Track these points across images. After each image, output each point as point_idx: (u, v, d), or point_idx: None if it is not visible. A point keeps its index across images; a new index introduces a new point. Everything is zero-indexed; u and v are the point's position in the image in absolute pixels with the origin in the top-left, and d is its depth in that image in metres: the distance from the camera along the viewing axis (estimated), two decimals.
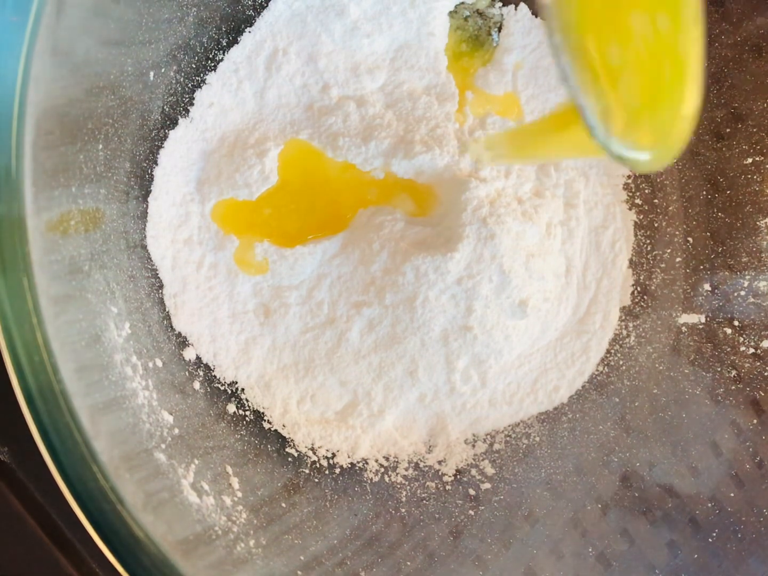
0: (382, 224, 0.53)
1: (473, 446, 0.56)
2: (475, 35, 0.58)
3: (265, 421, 0.53)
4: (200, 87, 0.52)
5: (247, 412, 0.53)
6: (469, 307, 0.51)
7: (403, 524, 0.52)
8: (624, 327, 0.57)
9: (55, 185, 0.36)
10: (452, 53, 0.57)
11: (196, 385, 0.50)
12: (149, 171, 0.50)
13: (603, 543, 0.52)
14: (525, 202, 0.54)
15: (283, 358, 0.53)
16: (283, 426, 0.53)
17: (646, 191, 0.58)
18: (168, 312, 0.51)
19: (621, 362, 0.57)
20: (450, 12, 0.57)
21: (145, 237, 0.50)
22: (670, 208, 0.58)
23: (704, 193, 0.57)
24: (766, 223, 0.55)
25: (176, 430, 0.45)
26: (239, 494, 0.47)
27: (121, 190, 0.45)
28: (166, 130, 0.51)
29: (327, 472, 0.53)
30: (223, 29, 0.53)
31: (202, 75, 0.52)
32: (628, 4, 0.30)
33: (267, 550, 0.45)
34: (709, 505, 0.52)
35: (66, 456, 0.33)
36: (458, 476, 0.54)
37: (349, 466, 0.54)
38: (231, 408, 0.52)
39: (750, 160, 0.55)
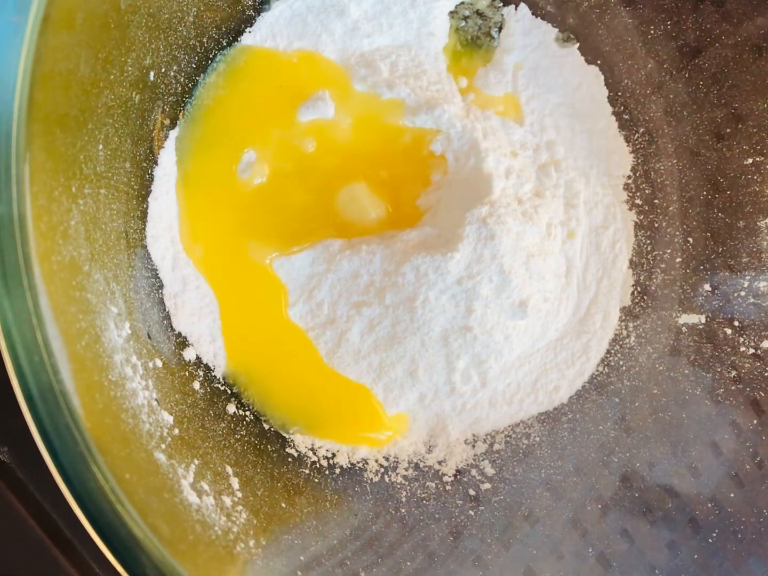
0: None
1: (473, 446, 0.56)
2: (475, 35, 0.58)
3: (265, 421, 0.53)
4: (200, 87, 0.52)
5: (247, 412, 0.53)
6: (469, 308, 0.51)
7: (403, 524, 0.52)
8: (624, 327, 0.57)
9: (55, 185, 0.36)
10: (452, 53, 0.58)
11: (196, 385, 0.50)
12: (149, 171, 0.50)
13: (603, 543, 0.52)
14: (525, 203, 0.54)
15: None
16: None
17: (647, 192, 0.58)
18: (168, 312, 0.51)
19: (621, 362, 0.57)
20: (450, 12, 0.57)
21: (145, 237, 0.50)
22: (670, 209, 0.58)
23: (704, 193, 0.57)
24: (766, 223, 0.55)
25: (176, 430, 0.45)
26: (239, 494, 0.47)
27: (121, 190, 0.45)
28: (167, 130, 0.51)
29: (327, 472, 0.53)
30: (223, 29, 0.53)
31: (202, 75, 0.52)
32: None
33: (267, 550, 0.45)
34: (709, 505, 0.52)
35: (66, 456, 0.33)
36: (458, 476, 0.54)
37: (349, 466, 0.54)
38: (231, 408, 0.52)
39: (750, 161, 0.55)
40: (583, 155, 0.58)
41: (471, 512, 0.53)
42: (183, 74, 0.51)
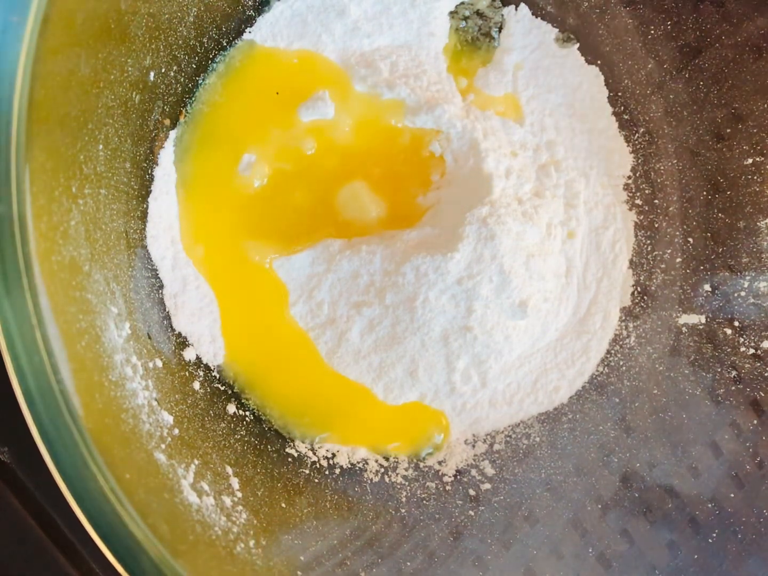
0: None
1: (473, 446, 0.56)
2: (476, 36, 0.58)
3: (265, 421, 0.53)
4: (200, 87, 0.52)
5: (247, 412, 0.53)
6: (469, 308, 0.51)
7: (403, 524, 0.52)
8: (624, 327, 0.57)
9: (55, 185, 0.36)
10: (452, 54, 0.58)
11: (196, 385, 0.50)
12: (149, 171, 0.50)
13: (603, 543, 0.52)
14: (525, 203, 0.54)
15: None
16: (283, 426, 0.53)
17: (647, 192, 0.58)
18: (168, 312, 0.51)
19: (621, 363, 0.57)
20: (450, 12, 0.57)
21: (145, 237, 0.50)
22: (671, 209, 0.58)
23: (704, 193, 0.57)
24: (766, 223, 0.55)
25: (176, 430, 0.45)
26: (239, 494, 0.47)
27: (121, 190, 0.45)
28: (167, 131, 0.51)
29: (327, 472, 0.53)
30: (223, 29, 0.53)
31: (202, 75, 0.52)
32: None
33: (267, 550, 0.45)
34: (709, 505, 0.52)
35: (66, 456, 0.33)
36: (458, 476, 0.54)
37: (349, 466, 0.54)
38: (231, 408, 0.52)
39: (750, 161, 0.55)
40: (583, 155, 0.58)
41: (471, 512, 0.53)
42: (183, 74, 0.51)
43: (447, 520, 0.52)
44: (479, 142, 0.53)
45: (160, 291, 0.51)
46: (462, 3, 0.57)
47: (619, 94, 0.58)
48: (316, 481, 0.52)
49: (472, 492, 0.54)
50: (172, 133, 0.51)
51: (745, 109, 0.54)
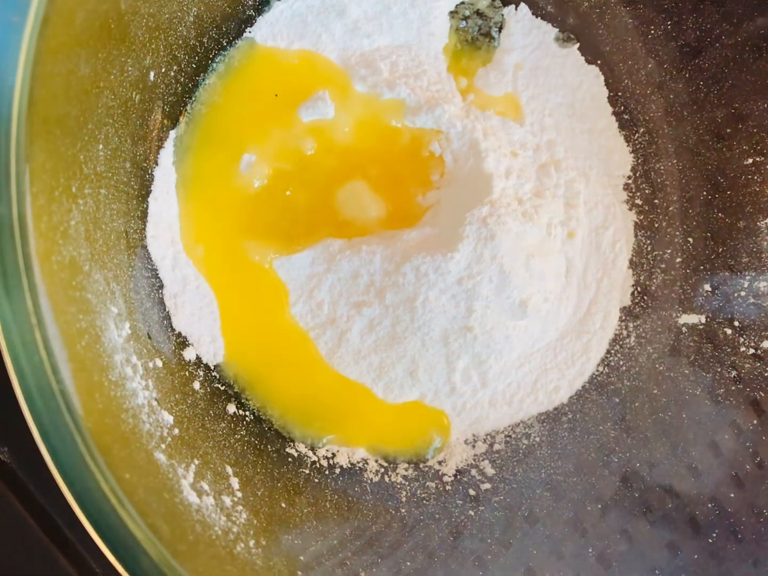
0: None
1: (473, 446, 0.56)
2: (476, 36, 0.58)
3: (265, 421, 0.53)
4: (200, 87, 0.52)
5: (247, 412, 0.53)
6: (469, 308, 0.51)
7: (403, 524, 0.52)
8: (624, 327, 0.57)
9: (55, 185, 0.36)
10: (452, 53, 0.58)
11: (196, 385, 0.50)
12: (149, 171, 0.50)
13: (603, 543, 0.52)
14: (525, 203, 0.54)
15: None
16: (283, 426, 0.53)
17: (647, 192, 0.58)
18: (168, 312, 0.51)
19: (621, 362, 0.57)
20: (450, 12, 0.57)
21: (145, 237, 0.50)
22: (671, 209, 0.58)
23: (704, 193, 0.57)
24: (766, 223, 0.55)
25: (176, 430, 0.45)
26: (239, 494, 0.47)
27: (121, 190, 0.45)
28: (167, 130, 0.51)
29: (327, 472, 0.53)
30: (223, 29, 0.53)
31: (202, 75, 0.52)
32: None
33: (267, 550, 0.45)
34: (709, 505, 0.52)
35: (66, 456, 0.33)
36: (458, 476, 0.54)
37: (349, 466, 0.54)
38: (231, 408, 0.52)
39: (750, 161, 0.55)
40: (583, 155, 0.58)
41: (471, 512, 0.53)
42: (183, 74, 0.51)
43: (447, 520, 0.52)
44: (479, 142, 0.53)
45: (160, 291, 0.51)
46: (462, 3, 0.58)
47: (619, 94, 0.58)
48: (316, 481, 0.52)
49: (472, 492, 0.54)
50: (172, 133, 0.51)
51: (745, 109, 0.54)
